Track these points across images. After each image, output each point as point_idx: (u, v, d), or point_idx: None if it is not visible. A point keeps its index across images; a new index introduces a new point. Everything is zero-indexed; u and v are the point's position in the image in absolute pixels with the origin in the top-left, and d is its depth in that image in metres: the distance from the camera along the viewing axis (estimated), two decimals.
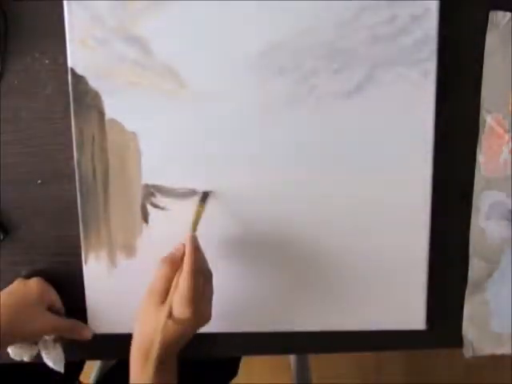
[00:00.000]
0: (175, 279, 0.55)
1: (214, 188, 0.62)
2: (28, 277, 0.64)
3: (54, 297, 0.64)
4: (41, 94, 0.62)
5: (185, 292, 0.54)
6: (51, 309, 0.63)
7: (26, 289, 0.63)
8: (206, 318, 0.57)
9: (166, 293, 0.56)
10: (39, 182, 0.64)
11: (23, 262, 0.65)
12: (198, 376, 0.77)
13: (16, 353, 0.64)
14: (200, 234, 0.59)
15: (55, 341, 0.65)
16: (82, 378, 0.88)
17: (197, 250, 0.56)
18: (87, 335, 0.65)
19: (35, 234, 0.65)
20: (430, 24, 0.59)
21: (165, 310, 0.54)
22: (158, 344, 0.53)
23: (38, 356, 0.65)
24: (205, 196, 0.61)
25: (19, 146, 0.63)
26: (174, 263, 0.56)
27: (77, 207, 0.62)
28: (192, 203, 0.62)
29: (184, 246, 0.56)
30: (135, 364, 0.56)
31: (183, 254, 0.56)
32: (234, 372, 0.88)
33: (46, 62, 0.61)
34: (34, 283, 0.63)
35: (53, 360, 0.65)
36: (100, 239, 0.63)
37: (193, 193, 0.62)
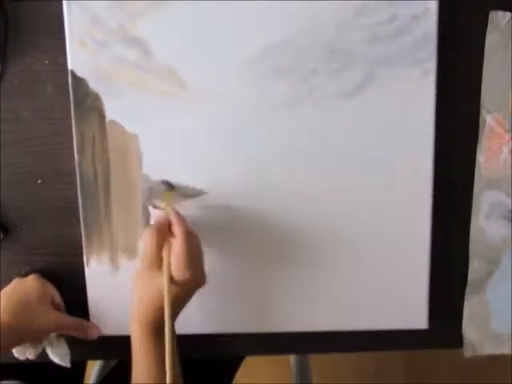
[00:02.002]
0: (166, 245, 0.56)
1: (213, 188, 0.62)
2: (26, 275, 0.64)
3: (52, 291, 0.64)
4: (41, 94, 0.62)
5: (182, 254, 0.54)
6: (52, 304, 0.64)
7: (27, 287, 0.63)
8: (203, 278, 0.57)
9: (158, 259, 0.56)
10: (39, 182, 0.64)
11: (23, 262, 0.65)
12: (200, 376, 0.77)
13: (20, 351, 0.64)
14: (200, 234, 0.59)
15: (59, 337, 0.65)
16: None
17: (180, 215, 0.57)
18: (94, 334, 0.65)
19: (35, 234, 0.65)
20: (430, 24, 0.59)
21: (164, 274, 0.54)
22: (168, 307, 0.53)
23: (42, 355, 0.65)
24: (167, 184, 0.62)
25: (19, 146, 0.63)
26: (161, 229, 0.57)
27: (77, 207, 0.62)
28: (192, 203, 0.62)
29: (166, 215, 0.58)
30: (135, 334, 0.56)
31: (167, 221, 0.57)
32: (235, 370, 0.88)
33: (46, 62, 0.61)
34: (34, 280, 0.63)
35: (58, 356, 0.65)
36: (102, 241, 0.63)
37: (194, 193, 0.62)
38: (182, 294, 0.55)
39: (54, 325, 0.62)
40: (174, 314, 0.56)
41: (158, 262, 0.56)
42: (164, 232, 0.57)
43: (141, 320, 0.56)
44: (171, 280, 0.54)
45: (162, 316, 0.54)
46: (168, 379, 0.50)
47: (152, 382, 0.55)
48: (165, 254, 0.56)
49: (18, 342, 0.62)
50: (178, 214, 0.57)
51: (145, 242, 0.56)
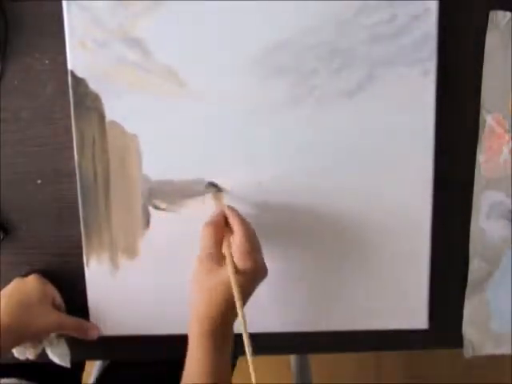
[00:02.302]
0: (226, 239, 0.56)
1: (214, 188, 0.62)
2: (26, 276, 0.64)
3: (53, 291, 0.64)
4: (41, 94, 0.62)
5: (243, 243, 0.54)
6: (52, 303, 0.64)
7: (27, 287, 0.63)
8: (264, 268, 0.57)
9: (217, 254, 0.55)
10: (39, 181, 0.64)
11: (23, 262, 0.65)
12: None
13: (20, 351, 0.64)
14: (200, 234, 0.59)
15: (59, 337, 0.65)
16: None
17: (235, 209, 0.58)
18: (93, 335, 0.65)
19: (35, 234, 0.65)
20: (430, 24, 0.59)
21: (229, 266, 0.54)
22: (239, 300, 0.52)
23: (42, 355, 0.65)
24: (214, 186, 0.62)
25: (19, 146, 0.63)
26: (218, 224, 0.57)
27: (77, 207, 0.62)
28: (193, 203, 0.62)
29: (219, 212, 0.58)
30: (194, 333, 0.55)
31: (221, 217, 0.57)
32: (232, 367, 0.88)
33: (46, 62, 0.61)
34: (34, 280, 0.63)
35: (58, 356, 0.65)
36: (101, 241, 0.63)
37: (194, 193, 0.62)
38: (246, 285, 0.54)
39: (54, 325, 0.62)
40: (236, 310, 0.54)
41: (216, 256, 0.55)
42: (221, 228, 0.57)
43: (200, 316, 0.55)
44: (236, 270, 0.54)
45: (223, 311, 0.54)
46: (253, 379, 0.51)
47: (206, 381, 0.54)
48: (225, 246, 0.56)
49: (18, 342, 0.62)
50: (233, 208, 0.58)
51: (202, 237, 0.56)
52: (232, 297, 0.53)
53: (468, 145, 0.63)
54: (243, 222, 0.56)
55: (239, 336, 0.66)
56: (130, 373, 0.78)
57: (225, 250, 0.55)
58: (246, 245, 0.54)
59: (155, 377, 0.76)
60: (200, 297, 0.55)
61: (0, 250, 0.65)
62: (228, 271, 0.53)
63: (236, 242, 0.55)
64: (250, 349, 0.52)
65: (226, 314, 0.54)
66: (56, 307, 0.64)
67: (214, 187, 0.62)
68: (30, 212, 0.64)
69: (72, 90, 0.60)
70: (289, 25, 0.59)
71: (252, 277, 0.55)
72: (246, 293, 0.55)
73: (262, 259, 0.57)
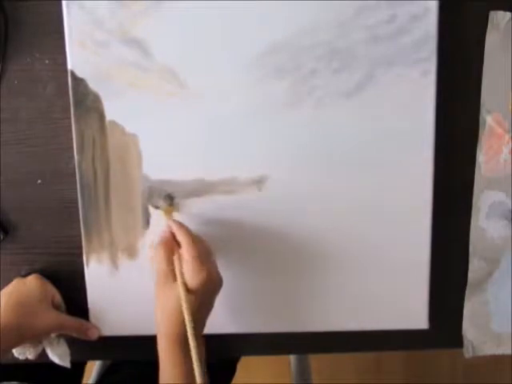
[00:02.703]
0: (176, 256, 0.57)
1: (215, 188, 0.62)
2: (26, 276, 0.64)
3: (53, 291, 0.64)
4: (41, 94, 0.62)
5: (191, 260, 0.55)
6: (52, 303, 0.64)
7: (27, 287, 0.63)
8: (218, 281, 0.58)
9: (172, 272, 0.56)
10: (39, 181, 0.64)
11: (23, 262, 0.65)
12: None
13: (20, 351, 0.64)
14: (200, 234, 0.59)
15: (59, 337, 0.65)
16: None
17: (182, 223, 0.59)
18: (93, 335, 0.65)
19: (35, 234, 0.65)
20: (430, 24, 0.59)
21: (179, 284, 0.55)
22: (188, 316, 0.54)
23: (42, 355, 0.65)
24: (169, 198, 0.62)
25: (19, 146, 0.63)
26: (167, 243, 0.58)
27: (77, 207, 0.62)
28: (193, 203, 0.62)
29: (169, 229, 0.59)
30: (164, 349, 0.56)
31: (171, 234, 0.58)
32: (232, 371, 0.88)
33: (46, 61, 0.61)
34: (34, 280, 0.63)
35: (58, 356, 0.65)
36: (101, 241, 0.63)
37: (194, 193, 0.62)
38: (201, 300, 0.56)
39: (54, 325, 0.62)
40: (199, 322, 0.56)
41: (172, 275, 0.56)
42: (171, 245, 0.58)
43: (166, 333, 0.56)
44: (187, 288, 0.55)
45: (182, 326, 0.55)
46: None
47: None
48: (176, 264, 0.56)
49: (18, 342, 0.62)
50: (179, 224, 0.59)
51: (155, 256, 0.58)
52: (197, 312, 0.55)
53: (468, 145, 0.63)
54: (189, 237, 0.57)
55: (240, 336, 0.67)
56: (130, 372, 0.78)
57: (176, 267, 0.56)
58: (193, 261, 0.55)
59: (155, 376, 0.76)
60: (163, 316, 0.56)
61: (0, 250, 0.65)
62: (179, 291, 0.55)
63: (185, 259, 0.56)
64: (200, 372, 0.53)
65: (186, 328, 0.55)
66: (56, 307, 0.64)
67: (170, 200, 0.62)
68: (30, 212, 0.64)
69: (72, 90, 0.60)
70: (288, 25, 0.59)
71: (205, 292, 0.56)
72: (203, 309, 0.57)
73: (215, 270, 0.58)
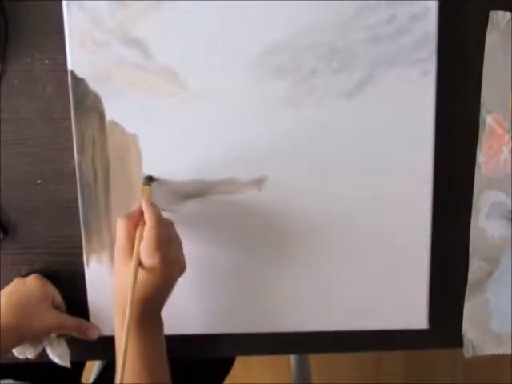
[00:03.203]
0: (138, 233, 0.56)
1: (215, 188, 0.62)
2: (26, 276, 0.64)
3: (53, 291, 0.64)
4: (41, 94, 0.62)
5: (150, 240, 0.54)
6: (52, 303, 0.64)
7: (27, 287, 0.63)
8: (179, 264, 0.57)
9: (131, 248, 0.55)
10: (39, 181, 0.64)
11: (23, 262, 0.65)
12: (191, 376, 0.77)
13: (20, 351, 0.64)
14: (200, 234, 0.59)
15: (59, 337, 0.65)
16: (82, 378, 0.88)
17: (153, 203, 0.57)
18: (93, 335, 0.65)
19: (35, 234, 0.65)
20: (430, 24, 0.59)
21: (133, 261, 0.54)
22: (130, 294, 0.53)
23: (41, 355, 0.65)
24: (148, 179, 0.61)
25: (19, 146, 0.63)
26: (133, 218, 0.57)
27: (77, 207, 0.62)
28: (192, 203, 0.62)
29: (139, 204, 0.58)
30: (118, 326, 0.56)
31: (139, 209, 0.57)
32: (227, 369, 0.88)
33: (46, 61, 0.61)
34: (34, 280, 0.63)
35: (58, 356, 0.65)
36: (101, 241, 0.63)
37: (193, 194, 0.62)
38: (154, 281, 0.55)
39: (55, 325, 0.62)
40: (152, 303, 0.56)
41: (128, 250, 0.55)
42: (136, 221, 0.56)
43: (121, 309, 0.55)
44: (141, 265, 0.54)
45: (145, 306, 0.54)
46: (118, 379, 0.50)
47: (135, 381, 0.54)
48: (136, 240, 0.55)
49: (18, 342, 0.62)
50: (149, 203, 0.57)
51: (117, 229, 0.56)
52: (148, 290, 0.54)
53: (468, 145, 0.63)
54: (155, 219, 0.55)
55: (241, 335, 0.67)
56: None
57: (135, 242, 0.55)
58: (152, 242, 0.54)
59: None
60: (117, 291, 0.56)
61: (0, 250, 0.65)
62: (131, 266, 0.54)
63: (144, 237, 0.55)
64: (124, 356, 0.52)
65: (144, 306, 0.55)
66: (56, 307, 0.64)
67: (149, 180, 0.61)
68: (30, 212, 0.64)
69: (72, 90, 0.60)
70: (289, 25, 0.59)
71: (160, 273, 0.55)
72: (157, 289, 0.56)
73: (177, 255, 0.57)
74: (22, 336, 0.61)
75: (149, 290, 0.55)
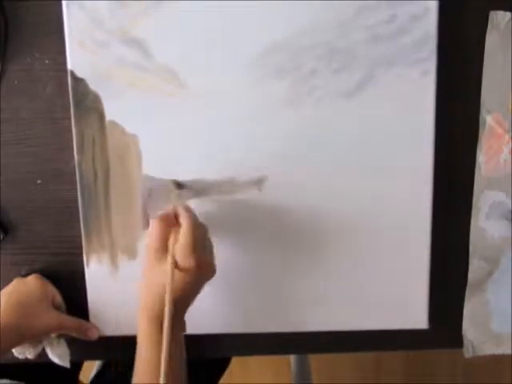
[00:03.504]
0: (172, 235, 0.56)
1: (215, 188, 0.62)
2: (26, 276, 0.64)
3: (53, 291, 0.64)
4: (41, 94, 0.62)
5: (187, 242, 0.54)
6: (52, 303, 0.64)
7: (27, 287, 0.63)
8: (211, 268, 0.57)
9: (164, 249, 0.56)
10: (39, 181, 0.64)
11: (23, 262, 0.65)
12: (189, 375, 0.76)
13: (20, 351, 0.64)
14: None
15: (59, 337, 0.65)
16: (81, 377, 0.88)
17: (189, 207, 0.58)
18: (93, 335, 0.65)
19: (35, 234, 0.65)
20: (430, 24, 0.59)
21: (169, 259, 0.54)
22: (169, 294, 0.53)
23: (41, 355, 0.65)
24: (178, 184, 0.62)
25: (19, 146, 0.63)
26: (168, 220, 0.57)
27: (77, 207, 0.62)
28: (193, 204, 0.62)
29: (173, 207, 0.58)
30: (142, 326, 0.56)
31: (173, 213, 0.58)
32: (224, 368, 0.88)
33: (46, 61, 0.61)
34: (34, 280, 0.63)
35: (58, 356, 0.65)
36: (101, 242, 0.63)
37: (194, 194, 0.62)
38: (187, 282, 0.55)
39: (54, 325, 0.62)
40: (182, 303, 0.56)
41: (163, 253, 0.56)
42: (170, 223, 0.57)
43: (149, 310, 0.56)
44: (176, 266, 0.54)
45: (174, 307, 0.54)
46: (162, 379, 0.50)
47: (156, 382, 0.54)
48: (170, 241, 0.56)
49: (18, 342, 0.62)
50: (186, 206, 0.58)
51: (150, 231, 0.56)
52: (181, 289, 0.54)
53: (468, 145, 0.63)
54: (191, 221, 0.56)
55: (241, 336, 0.67)
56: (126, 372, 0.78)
57: (169, 244, 0.55)
58: (188, 245, 0.54)
59: None
60: (148, 292, 0.56)
61: (0, 250, 0.65)
62: (167, 267, 0.54)
63: (181, 239, 0.55)
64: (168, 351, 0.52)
65: (176, 306, 0.54)
66: (56, 307, 0.64)
67: (176, 185, 0.61)
68: (30, 212, 0.64)
69: (72, 90, 0.60)
70: (288, 25, 0.59)
71: (194, 276, 0.55)
72: (188, 290, 0.56)
73: (209, 260, 0.57)
74: (22, 336, 0.61)
75: (181, 291, 0.55)
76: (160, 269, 0.55)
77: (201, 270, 0.55)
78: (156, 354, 0.54)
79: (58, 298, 0.64)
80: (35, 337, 0.63)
